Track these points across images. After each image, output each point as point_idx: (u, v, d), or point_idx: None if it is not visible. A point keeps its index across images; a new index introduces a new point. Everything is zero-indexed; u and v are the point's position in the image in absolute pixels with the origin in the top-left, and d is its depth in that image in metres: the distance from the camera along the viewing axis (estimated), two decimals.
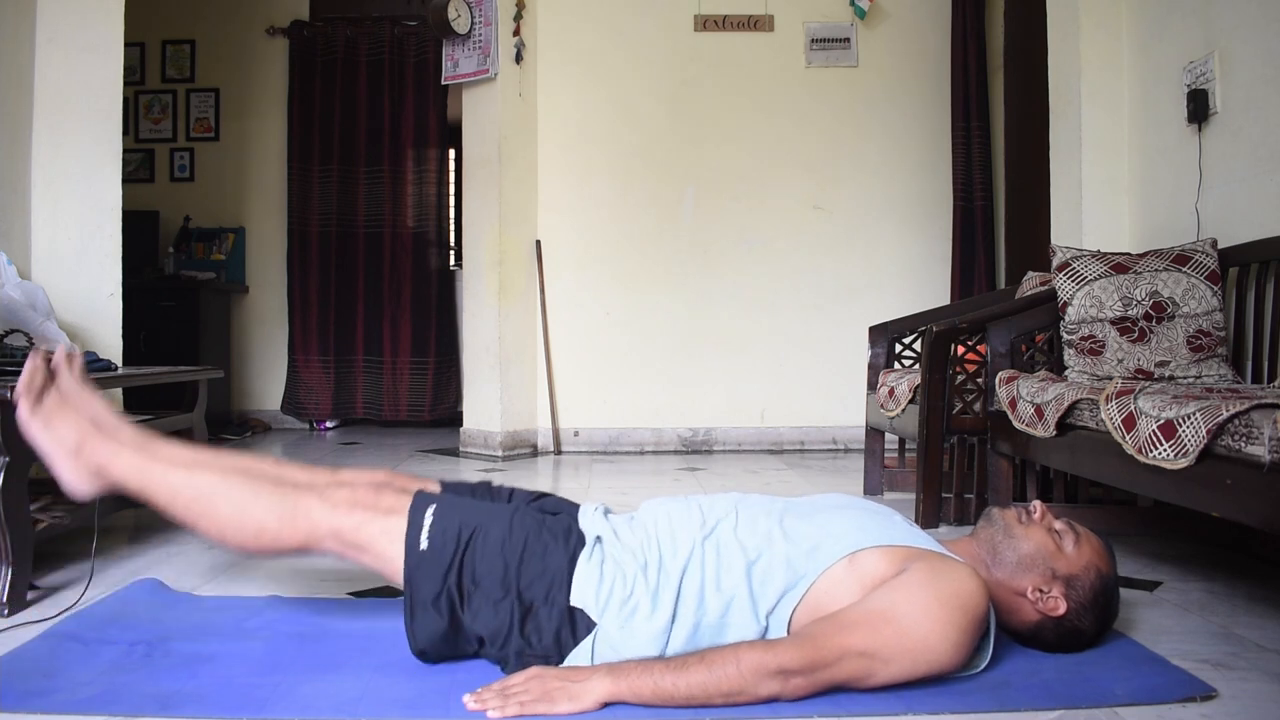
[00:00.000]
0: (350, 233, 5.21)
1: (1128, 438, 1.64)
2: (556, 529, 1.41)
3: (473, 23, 4.16)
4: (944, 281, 4.39)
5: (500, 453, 4.11)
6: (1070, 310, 2.32)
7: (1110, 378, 2.19)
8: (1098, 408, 1.79)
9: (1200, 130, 2.58)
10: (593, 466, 3.88)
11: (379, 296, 5.19)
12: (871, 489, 3.09)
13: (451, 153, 5.22)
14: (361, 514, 1.40)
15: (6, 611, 1.67)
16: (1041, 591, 1.40)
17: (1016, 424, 2.20)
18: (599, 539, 1.40)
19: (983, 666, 1.35)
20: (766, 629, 1.34)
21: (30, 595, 1.76)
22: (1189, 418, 1.48)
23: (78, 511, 2.05)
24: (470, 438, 4.27)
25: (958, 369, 2.49)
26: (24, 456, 1.73)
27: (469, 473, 3.67)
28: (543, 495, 1.53)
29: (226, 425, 4.89)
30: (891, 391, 2.83)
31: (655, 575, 1.36)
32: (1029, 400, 2.13)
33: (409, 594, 1.37)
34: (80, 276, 2.86)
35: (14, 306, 2.33)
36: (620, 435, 4.40)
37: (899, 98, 4.48)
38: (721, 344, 4.44)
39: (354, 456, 4.10)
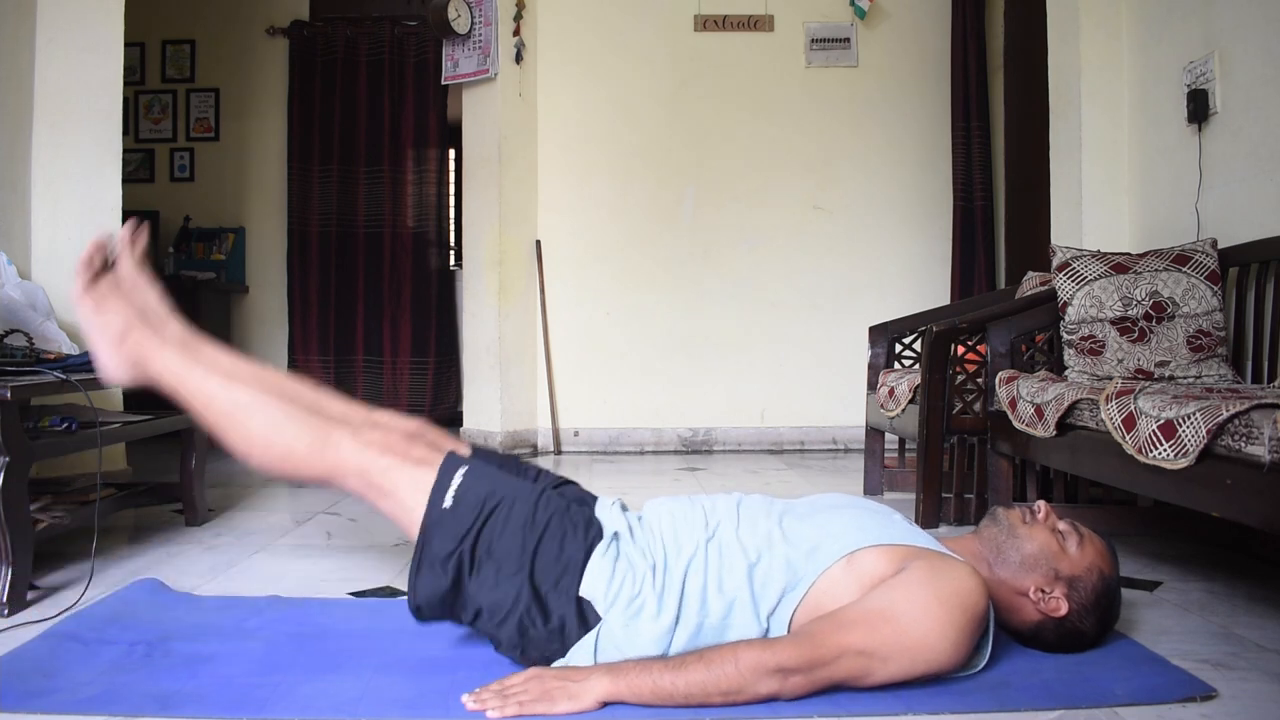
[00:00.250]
0: (350, 233, 5.21)
1: (1128, 438, 1.64)
2: (578, 518, 1.40)
3: (473, 23, 4.16)
4: (944, 281, 4.39)
5: (500, 452, 4.11)
6: (1070, 310, 2.32)
7: (1110, 378, 2.19)
8: (1098, 408, 1.79)
9: (1200, 130, 2.58)
10: (593, 466, 3.88)
11: (379, 296, 5.18)
12: (871, 489, 3.09)
13: (451, 153, 5.21)
14: (391, 459, 1.38)
15: (6, 611, 1.67)
16: (1044, 592, 1.40)
17: (1016, 424, 2.20)
18: (616, 535, 1.40)
19: (981, 666, 1.35)
20: (768, 630, 1.34)
21: (30, 595, 1.76)
22: (1189, 418, 1.48)
23: (78, 511, 2.05)
24: (470, 438, 4.27)
25: (958, 369, 2.49)
26: (24, 456, 1.74)
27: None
28: (567, 481, 1.52)
29: None
30: (891, 391, 2.83)
31: (662, 576, 1.36)
32: (1029, 400, 2.13)
33: (420, 548, 1.36)
34: None
35: (14, 306, 2.33)
36: (620, 435, 4.40)
37: (899, 98, 4.48)
38: (721, 344, 4.44)
39: None
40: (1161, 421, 1.55)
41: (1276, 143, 2.29)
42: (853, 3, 4.34)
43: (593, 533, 1.39)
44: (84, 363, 2.12)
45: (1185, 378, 2.21)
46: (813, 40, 4.46)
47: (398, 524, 1.41)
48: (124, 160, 3.03)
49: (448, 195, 5.28)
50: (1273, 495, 1.31)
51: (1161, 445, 1.54)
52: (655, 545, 1.40)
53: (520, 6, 4.22)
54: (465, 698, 1.26)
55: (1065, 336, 2.35)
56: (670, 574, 1.36)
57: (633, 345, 4.44)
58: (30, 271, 2.83)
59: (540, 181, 4.44)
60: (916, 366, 3.07)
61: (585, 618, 1.33)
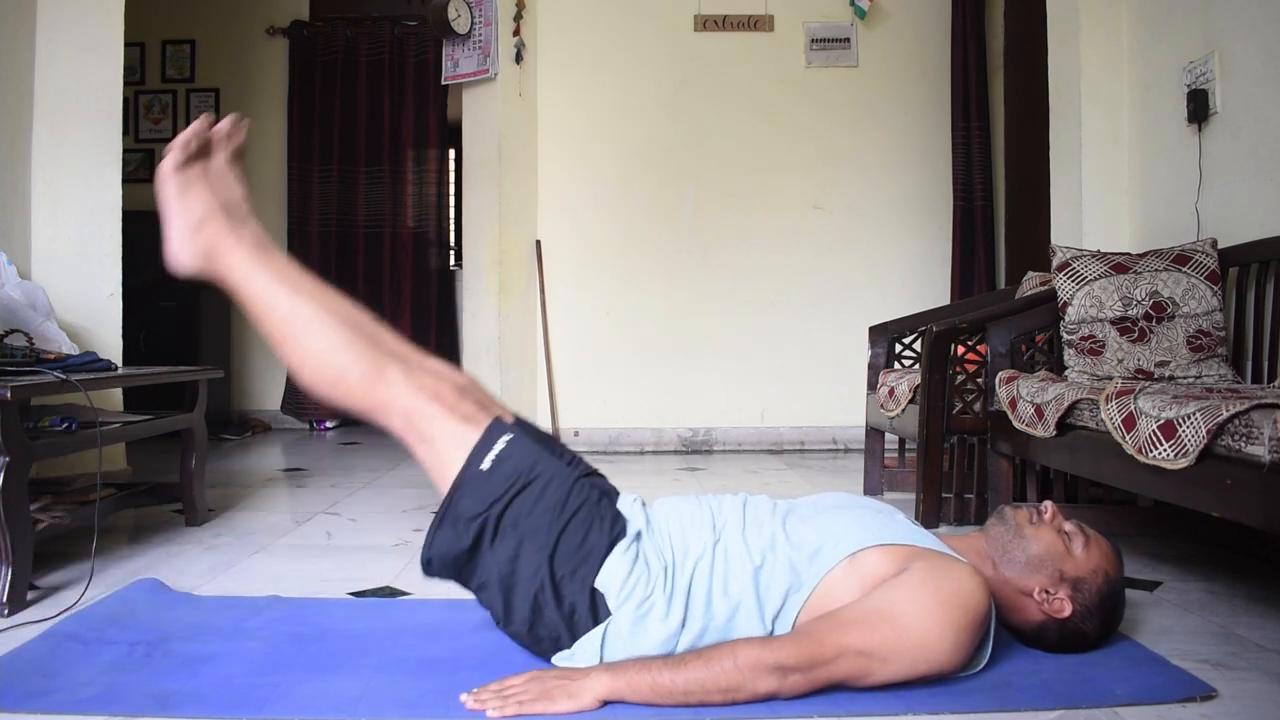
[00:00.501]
0: (350, 232, 5.21)
1: (1128, 438, 1.64)
2: (606, 511, 1.39)
3: (473, 23, 4.16)
4: (944, 281, 4.39)
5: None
6: (1070, 310, 2.32)
7: (1110, 378, 2.19)
8: (1098, 408, 1.79)
9: (1200, 130, 2.58)
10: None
11: (379, 296, 5.18)
12: (871, 489, 3.09)
13: (451, 153, 5.21)
14: (439, 408, 1.37)
15: (6, 611, 1.67)
16: (1048, 593, 1.40)
17: (1016, 424, 2.20)
18: (639, 534, 1.39)
19: (981, 666, 1.35)
20: (772, 633, 1.34)
21: (30, 595, 1.76)
22: (1189, 418, 1.48)
23: (78, 511, 2.05)
24: None
25: (958, 369, 2.49)
26: (24, 456, 1.74)
27: None
28: (597, 471, 1.50)
29: (226, 425, 4.89)
30: (891, 391, 2.83)
31: (671, 579, 1.36)
32: (1029, 400, 2.13)
33: (447, 503, 1.35)
34: (80, 276, 2.87)
35: (14, 306, 2.33)
36: (620, 435, 4.40)
37: (899, 98, 4.48)
38: (721, 344, 4.44)
39: (354, 456, 4.10)
40: (1161, 421, 1.55)
41: (1276, 143, 2.29)
42: (853, 3, 4.35)
43: (618, 528, 1.38)
44: (84, 363, 2.12)
45: (1185, 378, 2.21)
46: (813, 40, 4.46)
47: (429, 473, 1.40)
48: (124, 160, 3.03)
49: (448, 195, 5.28)
50: (1273, 495, 1.31)
51: (1161, 445, 1.54)
52: (665, 546, 1.40)
53: (520, 6, 4.22)
54: (465, 697, 1.26)
55: (1065, 336, 2.35)
56: (678, 576, 1.36)
57: (633, 345, 4.44)
58: (30, 271, 2.83)
59: (540, 181, 4.45)
60: (916, 366, 3.07)
61: (596, 610, 1.33)
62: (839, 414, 4.36)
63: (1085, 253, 2.39)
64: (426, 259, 5.17)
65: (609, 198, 4.46)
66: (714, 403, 4.44)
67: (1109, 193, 3.03)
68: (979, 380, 2.49)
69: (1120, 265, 2.33)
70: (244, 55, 5.29)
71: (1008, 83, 4.17)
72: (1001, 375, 2.36)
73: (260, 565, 2.10)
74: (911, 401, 2.65)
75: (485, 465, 1.35)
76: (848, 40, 4.46)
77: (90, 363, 2.14)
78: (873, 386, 3.14)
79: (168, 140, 5.52)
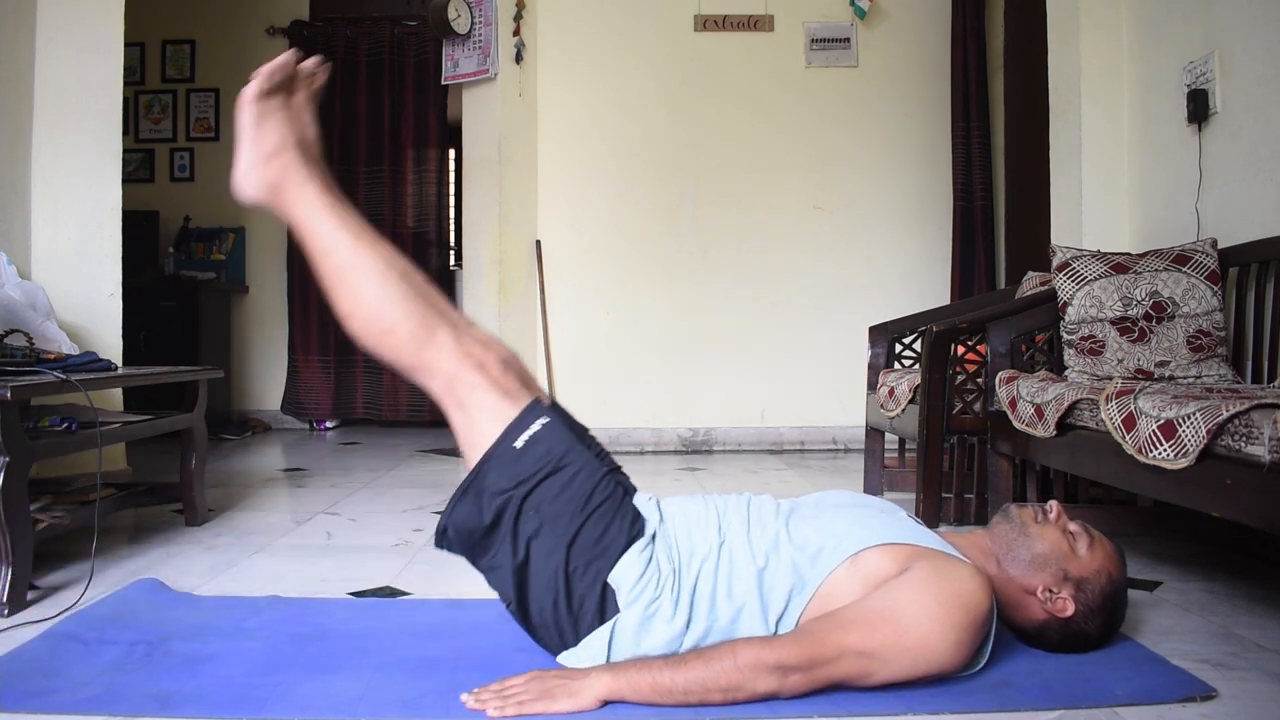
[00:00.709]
0: None
1: (1128, 438, 1.64)
2: (627, 509, 1.39)
3: (473, 23, 4.16)
4: (944, 281, 4.39)
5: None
6: (1070, 310, 2.32)
7: (1110, 378, 2.19)
8: (1098, 408, 1.79)
9: (1200, 130, 2.58)
10: None
11: None
12: (871, 489, 3.09)
13: (451, 153, 5.21)
14: (482, 378, 1.36)
15: (6, 611, 1.67)
16: (1051, 592, 1.40)
17: (1016, 424, 2.20)
18: (654, 536, 1.39)
19: (981, 665, 1.35)
20: (775, 634, 1.34)
21: (30, 595, 1.76)
22: (1189, 418, 1.48)
23: (78, 511, 2.05)
24: None
25: (958, 369, 2.49)
26: (24, 456, 1.74)
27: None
28: (620, 468, 1.50)
29: (226, 425, 4.89)
30: (891, 391, 2.83)
31: (678, 580, 1.36)
32: (1029, 400, 2.13)
33: (473, 476, 1.35)
34: (80, 276, 2.87)
35: (14, 306, 2.33)
36: (620, 435, 4.40)
37: (899, 98, 4.48)
38: (721, 344, 4.44)
39: (354, 457, 4.10)
40: (1161, 421, 1.55)
41: (1276, 143, 2.29)
42: (853, 3, 4.35)
43: (637, 527, 1.38)
44: (84, 363, 2.12)
45: (1185, 378, 2.21)
46: (813, 40, 4.46)
47: (461, 440, 1.39)
48: (124, 160, 3.03)
49: (448, 195, 5.28)
50: (1273, 495, 1.31)
51: (1161, 445, 1.54)
52: (674, 547, 1.40)
53: (520, 6, 4.22)
54: (465, 697, 1.26)
55: (1065, 336, 2.35)
56: (684, 578, 1.36)
57: (632, 345, 4.44)
58: (30, 271, 2.83)
59: (540, 181, 4.44)
60: (916, 366, 3.07)
61: (604, 606, 1.33)
62: (839, 414, 4.36)
63: (1085, 253, 2.39)
64: (426, 259, 5.17)
65: (609, 197, 4.46)
66: (714, 403, 4.44)
67: (1109, 193, 3.03)
68: (979, 380, 2.49)
69: (1120, 265, 2.33)
70: (244, 55, 5.28)
71: (1008, 83, 4.17)
72: (1001, 375, 2.36)
73: (260, 565, 2.10)
74: (911, 401, 2.65)
75: (519, 443, 1.34)
76: (848, 40, 4.46)
77: (90, 363, 2.14)
78: (873, 386, 3.14)
79: (168, 140, 5.54)
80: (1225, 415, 1.41)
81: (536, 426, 1.35)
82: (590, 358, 4.44)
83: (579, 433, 1.42)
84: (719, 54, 4.46)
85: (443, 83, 4.38)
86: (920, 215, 4.49)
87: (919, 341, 3.14)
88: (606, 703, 1.24)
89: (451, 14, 4.08)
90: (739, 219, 4.46)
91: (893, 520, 1.44)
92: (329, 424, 5.27)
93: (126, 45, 2.97)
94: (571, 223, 4.44)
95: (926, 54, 4.48)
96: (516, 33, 4.21)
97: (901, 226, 4.49)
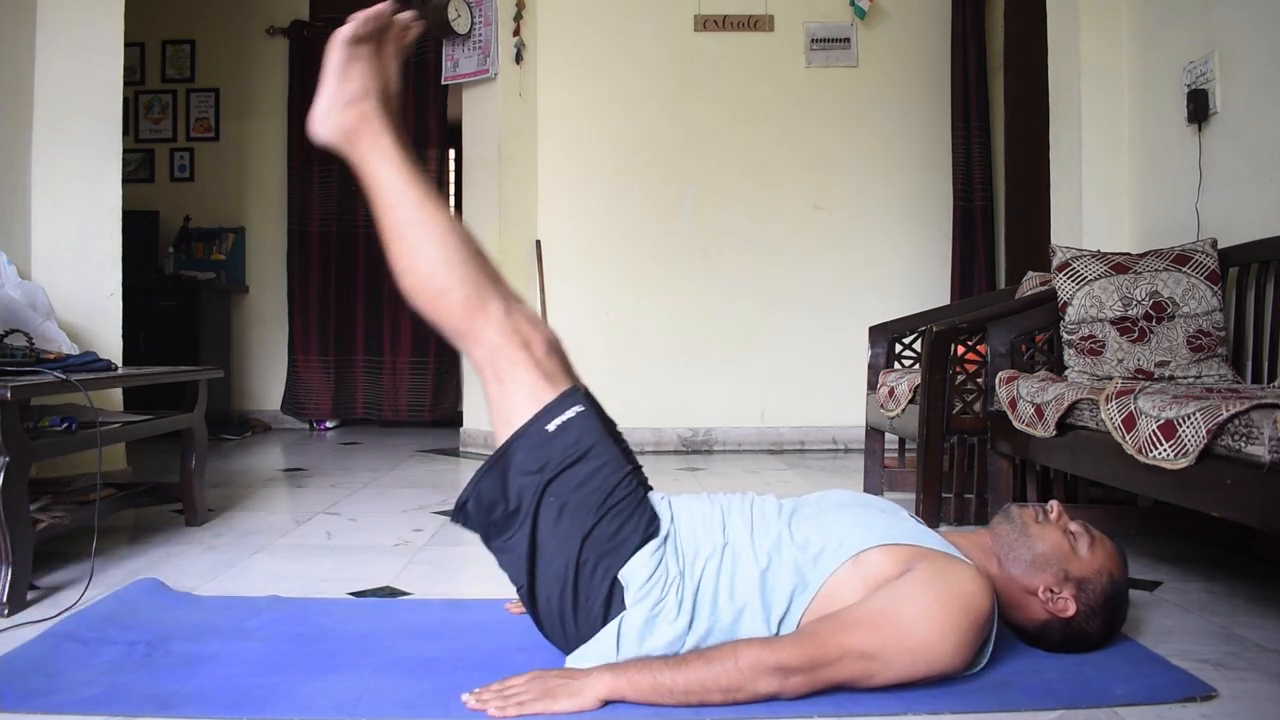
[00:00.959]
0: (350, 232, 5.21)
1: (1128, 438, 1.64)
2: (645, 508, 1.39)
3: (473, 23, 4.16)
4: (944, 281, 4.39)
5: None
6: (1070, 310, 2.32)
7: (1110, 378, 2.19)
8: (1098, 408, 1.79)
9: (1200, 130, 2.58)
10: None
11: (379, 296, 5.19)
12: (871, 489, 3.09)
13: (451, 153, 5.21)
14: (526, 355, 1.36)
15: (6, 611, 1.67)
16: (1053, 592, 1.40)
17: (1016, 424, 2.20)
18: (667, 537, 1.39)
19: (981, 666, 1.35)
20: (777, 634, 1.34)
21: (30, 595, 1.76)
22: (1189, 418, 1.48)
23: (78, 511, 2.05)
24: (470, 438, 4.27)
25: (958, 369, 2.49)
26: (24, 456, 1.74)
27: (469, 473, 3.67)
28: (641, 467, 1.50)
29: (226, 425, 4.89)
30: (891, 391, 2.83)
31: (683, 581, 1.36)
32: (1029, 400, 2.13)
33: (502, 452, 1.35)
34: (80, 276, 2.87)
35: (14, 306, 2.33)
36: None
37: (899, 98, 4.48)
38: (721, 344, 4.44)
39: (354, 457, 4.10)
40: (1161, 421, 1.55)
41: (1276, 143, 2.29)
42: (853, 3, 4.35)
43: (652, 527, 1.38)
44: (84, 363, 2.12)
45: (1185, 378, 2.21)
46: (813, 40, 4.46)
47: (494, 413, 1.39)
48: (124, 160, 3.03)
49: (448, 195, 5.28)
50: (1273, 495, 1.31)
51: (1161, 445, 1.54)
52: (681, 548, 1.40)
53: (520, 6, 4.22)
54: (466, 697, 1.26)
55: (1065, 336, 2.35)
56: (688, 578, 1.36)
57: (632, 345, 4.44)
58: (30, 271, 2.83)
59: (540, 181, 4.44)
60: (916, 366, 3.07)
61: (610, 601, 1.33)
62: (839, 414, 4.36)
63: (1085, 253, 2.39)
64: None
65: (609, 197, 4.46)
66: (714, 403, 4.44)
67: (1109, 193, 3.03)
68: (979, 380, 2.49)
69: (1120, 265, 2.33)
70: (244, 55, 5.29)
71: (1008, 83, 4.17)
72: (1001, 375, 2.36)
73: (260, 565, 2.10)
74: (911, 401, 2.65)
75: (551, 427, 1.34)
76: (848, 40, 4.46)
77: (90, 363, 2.14)
78: (873, 386, 3.14)
79: (168, 140, 5.53)
80: (1225, 415, 1.41)
81: (571, 413, 1.35)
82: (590, 357, 4.39)
83: (609, 427, 1.42)
84: (719, 54, 4.46)
85: (443, 83, 4.38)
86: (920, 215, 4.49)
87: (919, 341, 3.14)
88: (607, 702, 1.24)
89: (451, 14, 4.08)
90: (739, 219, 4.46)
91: (894, 520, 1.44)
92: (329, 424, 5.27)
93: (126, 45, 2.97)
94: (571, 223, 4.44)
95: (926, 54, 4.48)
96: (516, 33, 4.21)
97: (901, 226, 4.49)
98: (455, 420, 4.70)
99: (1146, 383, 1.91)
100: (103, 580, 1.91)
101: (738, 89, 4.46)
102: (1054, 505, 1.47)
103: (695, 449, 4.40)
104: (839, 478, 3.52)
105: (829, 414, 4.40)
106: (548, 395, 1.36)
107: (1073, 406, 1.93)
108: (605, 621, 1.33)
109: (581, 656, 1.33)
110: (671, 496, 1.50)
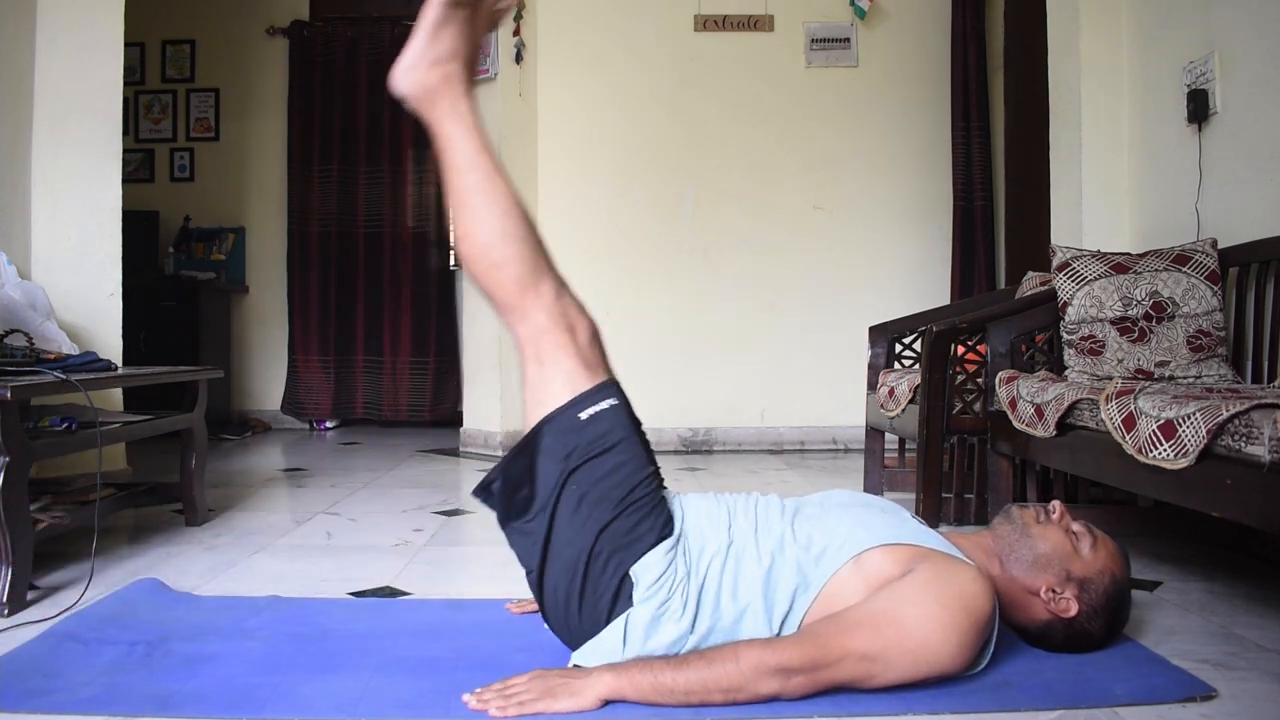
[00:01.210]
0: (350, 233, 5.21)
1: (1128, 438, 1.64)
2: (663, 510, 1.39)
3: None
4: (944, 281, 4.39)
5: (501, 453, 4.11)
6: (1070, 310, 2.32)
7: (1110, 378, 2.19)
8: (1098, 408, 1.79)
9: (1200, 130, 2.58)
10: None
11: (379, 296, 5.19)
12: (871, 489, 3.09)
13: None
14: (569, 340, 1.37)
15: (6, 611, 1.67)
16: (1054, 592, 1.40)
17: (1016, 424, 2.20)
18: (679, 538, 1.39)
19: (982, 667, 1.35)
20: (779, 634, 1.34)
21: (30, 595, 1.76)
22: (1189, 418, 1.48)
23: (78, 511, 2.05)
24: (470, 438, 4.27)
25: (958, 369, 2.49)
26: (24, 456, 1.74)
27: (469, 473, 3.67)
28: (659, 469, 1.50)
29: (226, 425, 4.89)
30: (891, 391, 2.83)
31: (689, 581, 1.36)
32: (1029, 400, 2.13)
33: (532, 435, 1.36)
34: (80, 276, 2.87)
35: (14, 306, 2.33)
36: None
37: (899, 98, 4.48)
38: (721, 344, 4.44)
39: (354, 457, 4.10)
40: (1161, 421, 1.55)
41: (1276, 143, 2.29)
42: (853, 3, 4.35)
43: (667, 528, 1.38)
44: (84, 363, 2.12)
45: (1185, 378, 2.21)
46: (813, 40, 4.46)
47: (528, 391, 1.40)
48: (124, 160, 3.03)
49: (448, 195, 5.27)
50: (1273, 495, 1.31)
51: (1161, 445, 1.54)
52: (688, 549, 1.39)
53: (520, 6, 4.21)
54: (467, 697, 1.26)
55: (1065, 336, 2.35)
56: (693, 578, 1.36)
57: (632, 345, 4.43)
58: (30, 271, 2.83)
59: (540, 181, 4.44)
60: (916, 366, 3.07)
61: (618, 596, 1.33)
62: (839, 414, 4.36)
63: (1085, 253, 2.39)
64: (426, 259, 5.17)
65: (609, 197, 4.46)
66: (714, 403, 4.43)
67: (1109, 193, 3.03)
68: (979, 380, 2.49)
69: (1120, 265, 2.33)
70: (244, 55, 5.29)
71: (1008, 83, 4.17)
72: (1001, 375, 2.36)
73: (260, 565, 2.10)
74: (911, 401, 2.65)
75: (584, 415, 1.35)
76: (848, 40, 4.46)
77: (90, 363, 2.14)
78: (873, 386, 3.14)
79: (168, 140, 5.53)
80: (1225, 415, 1.41)
81: (604, 404, 1.36)
82: None
83: (636, 425, 1.42)
84: (719, 54, 4.46)
85: None
86: (920, 215, 4.49)
87: (919, 341, 3.14)
88: (608, 702, 1.24)
89: None
90: (739, 219, 4.46)
91: (896, 520, 1.44)
92: (329, 424, 5.27)
93: (126, 45, 2.97)
94: (571, 222, 4.44)
95: (926, 54, 4.48)
96: (516, 33, 4.21)
97: (901, 226, 4.49)
98: (455, 420, 4.70)
99: (1146, 383, 1.91)
100: (103, 580, 1.91)
101: (738, 89, 4.46)
102: (1056, 505, 1.47)
103: (695, 449, 4.40)
104: (839, 478, 3.52)
105: (829, 414, 4.39)
106: (584, 384, 1.37)
107: (1073, 406, 1.93)
108: (610, 615, 1.33)
109: (587, 652, 1.33)
110: (682, 495, 1.50)
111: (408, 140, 5.14)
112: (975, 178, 4.27)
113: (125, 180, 3.00)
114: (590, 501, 1.33)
